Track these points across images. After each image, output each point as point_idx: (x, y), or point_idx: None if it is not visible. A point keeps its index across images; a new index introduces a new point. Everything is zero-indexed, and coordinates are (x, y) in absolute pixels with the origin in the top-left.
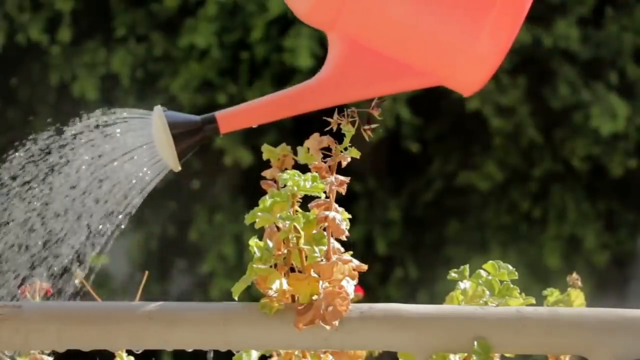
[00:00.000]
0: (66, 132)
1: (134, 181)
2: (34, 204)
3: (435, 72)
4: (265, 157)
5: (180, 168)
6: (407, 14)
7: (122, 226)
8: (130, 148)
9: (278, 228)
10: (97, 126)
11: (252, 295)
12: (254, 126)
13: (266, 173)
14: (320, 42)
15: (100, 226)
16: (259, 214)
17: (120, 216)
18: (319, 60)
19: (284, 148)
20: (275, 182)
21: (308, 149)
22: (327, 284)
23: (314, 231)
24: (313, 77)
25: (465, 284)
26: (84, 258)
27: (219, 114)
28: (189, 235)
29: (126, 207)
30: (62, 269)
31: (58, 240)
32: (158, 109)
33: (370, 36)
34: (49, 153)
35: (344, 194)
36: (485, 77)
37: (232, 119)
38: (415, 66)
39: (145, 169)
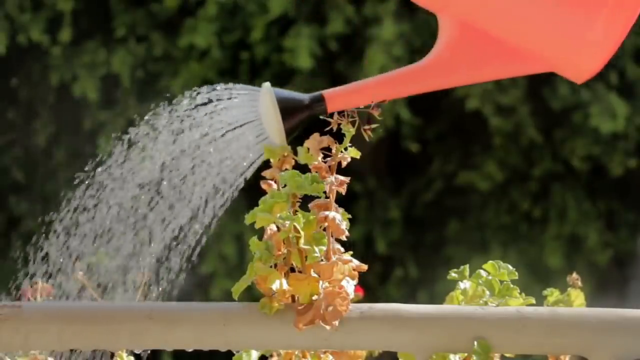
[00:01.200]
0: (174, 109)
1: (240, 158)
2: (143, 183)
3: (547, 57)
4: (265, 157)
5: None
6: None
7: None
8: (237, 124)
9: (278, 228)
10: (205, 102)
11: (252, 295)
12: (360, 106)
13: (266, 173)
14: (320, 42)
15: (210, 201)
16: (259, 214)
17: (227, 194)
18: (319, 60)
19: (284, 148)
20: (276, 182)
21: (308, 149)
22: (327, 284)
23: (314, 231)
24: (423, 59)
25: (465, 284)
26: (191, 236)
27: (326, 93)
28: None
29: (232, 185)
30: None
31: (161, 221)
32: (267, 85)
33: (482, 18)
34: (159, 131)
35: (344, 194)
36: (599, 65)
37: (339, 98)
38: (527, 50)
39: (251, 146)
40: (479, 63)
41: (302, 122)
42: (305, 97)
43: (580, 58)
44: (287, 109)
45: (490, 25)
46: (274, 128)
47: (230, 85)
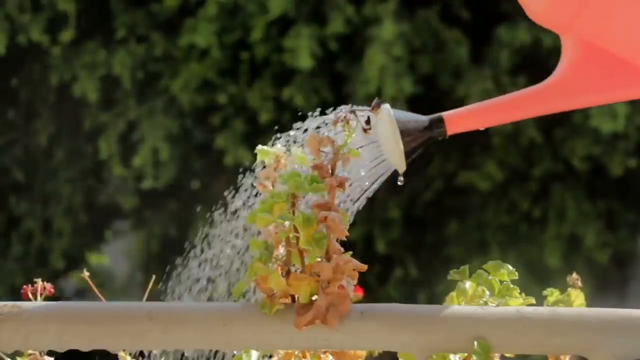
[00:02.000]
0: (293, 130)
1: (358, 180)
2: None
3: None
4: (259, 158)
5: (405, 168)
6: None
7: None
8: (355, 145)
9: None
10: (323, 124)
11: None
12: (480, 129)
13: (262, 173)
14: (320, 42)
15: None
16: (259, 214)
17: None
18: (319, 60)
19: (279, 149)
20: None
21: (302, 150)
22: (327, 284)
23: (314, 231)
24: (545, 80)
25: (465, 284)
26: None
27: (446, 115)
28: (189, 235)
29: (350, 206)
30: None
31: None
32: (386, 107)
33: (610, 39)
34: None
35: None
36: None
37: (459, 120)
38: None
39: (369, 168)
40: (604, 85)
41: (421, 145)
42: (424, 118)
43: None
44: (407, 131)
45: (617, 46)
46: (393, 150)
47: (349, 106)
